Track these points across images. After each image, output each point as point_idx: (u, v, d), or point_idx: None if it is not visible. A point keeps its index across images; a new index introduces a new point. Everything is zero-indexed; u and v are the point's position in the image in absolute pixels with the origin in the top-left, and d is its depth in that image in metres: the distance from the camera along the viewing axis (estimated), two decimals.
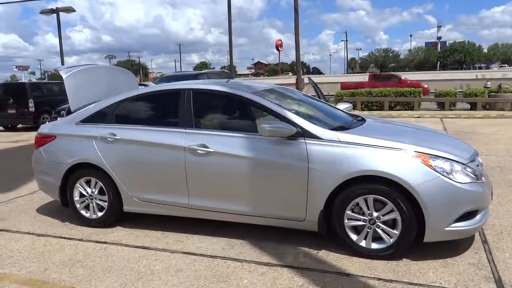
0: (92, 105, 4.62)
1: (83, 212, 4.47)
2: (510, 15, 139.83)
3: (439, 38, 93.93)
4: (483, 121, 12.75)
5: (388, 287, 2.98)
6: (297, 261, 3.45)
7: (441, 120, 12.93)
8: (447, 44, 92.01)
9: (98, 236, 4.16)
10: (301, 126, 3.59)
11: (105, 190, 4.31)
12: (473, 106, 15.37)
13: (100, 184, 4.33)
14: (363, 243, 3.45)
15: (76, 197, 4.47)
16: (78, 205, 4.48)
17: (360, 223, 3.44)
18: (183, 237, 4.03)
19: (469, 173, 3.36)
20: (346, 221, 3.46)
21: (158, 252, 3.74)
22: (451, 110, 15.26)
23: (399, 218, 3.30)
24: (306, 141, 3.54)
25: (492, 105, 15.04)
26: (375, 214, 3.38)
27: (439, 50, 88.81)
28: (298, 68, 19.79)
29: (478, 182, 3.37)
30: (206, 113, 4.17)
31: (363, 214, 3.42)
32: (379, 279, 3.09)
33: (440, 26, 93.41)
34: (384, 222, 3.37)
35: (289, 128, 3.53)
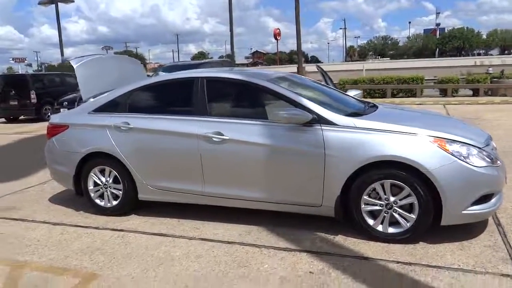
0: (104, 94, 4.62)
1: (97, 201, 4.50)
2: (509, 1, 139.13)
3: (437, 24, 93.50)
4: (486, 107, 12.78)
5: (407, 270, 3.03)
6: (315, 246, 3.49)
7: (444, 107, 12.94)
8: (446, 31, 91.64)
9: (114, 224, 4.20)
10: (316, 113, 3.61)
11: (120, 179, 4.33)
12: (476, 92, 15.38)
13: (115, 173, 4.35)
14: (380, 228, 3.48)
15: (91, 186, 4.50)
16: (92, 194, 4.50)
17: (377, 208, 3.47)
18: (199, 224, 4.07)
19: (485, 156, 3.39)
20: (363, 206, 3.49)
21: (175, 239, 3.78)
22: (454, 96, 15.27)
23: (416, 202, 3.33)
24: (322, 127, 3.56)
25: (494, 91, 15.04)
26: (392, 198, 3.41)
27: (437, 37, 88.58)
28: (300, 56, 19.76)
29: (493, 166, 3.40)
30: (221, 101, 4.18)
31: (379, 199, 3.45)
32: (398, 262, 3.14)
33: (439, 13, 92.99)
34: (401, 207, 3.40)
35: (305, 114, 3.54)
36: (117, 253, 3.55)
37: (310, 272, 3.06)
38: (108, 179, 4.41)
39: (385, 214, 3.45)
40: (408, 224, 3.40)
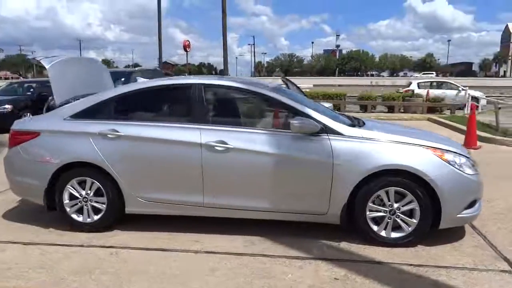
0: (82, 99, 4.24)
1: (74, 216, 4.08)
2: (392, 29, 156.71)
3: (337, 46, 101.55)
4: (398, 122, 14.11)
5: (422, 271, 3.23)
6: (324, 253, 3.56)
7: None
8: (343, 52, 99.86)
9: (99, 241, 3.84)
10: (323, 123, 3.71)
11: (104, 191, 3.98)
12: (390, 109, 16.89)
13: (98, 184, 3.98)
14: (383, 233, 3.67)
15: (66, 200, 4.06)
16: (68, 209, 4.07)
17: (381, 214, 3.66)
18: (196, 237, 3.89)
19: (471, 165, 3.77)
20: (368, 212, 3.66)
21: (179, 253, 3.58)
22: (372, 112, 16.58)
23: (417, 208, 3.58)
24: (330, 137, 3.67)
25: (406, 108, 16.66)
26: (395, 205, 3.62)
27: (337, 58, 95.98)
28: (226, 69, 19.84)
29: (477, 174, 3.80)
30: (222, 109, 4.10)
31: (383, 205, 3.65)
32: (410, 264, 3.34)
33: (338, 35, 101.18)
34: (403, 212, 3.63)
35: (314, 124, 3.63)
36: (120, 271, 3.26)
37: (335, 278, 3.12)
38: (88, 191, 4.03)
39: (388, 220, 3.66)
40: (409, 229, 3.63)
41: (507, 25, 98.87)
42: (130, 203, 3.99)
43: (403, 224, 3.64)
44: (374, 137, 3.69)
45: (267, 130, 3.81)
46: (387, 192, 3.62)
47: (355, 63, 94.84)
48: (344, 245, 3.71)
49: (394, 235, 3.67)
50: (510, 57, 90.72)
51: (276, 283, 3.06)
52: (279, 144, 3.72)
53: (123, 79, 9.39)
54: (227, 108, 4.19)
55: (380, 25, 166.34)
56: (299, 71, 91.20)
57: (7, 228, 4.20)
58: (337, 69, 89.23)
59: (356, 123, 4.20)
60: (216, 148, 3.76)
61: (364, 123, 4.30)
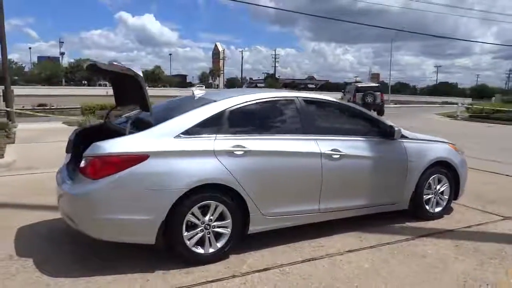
0: (189, 112, 3.63)
1: (194, 249, 3.51)
2: (106, 39, 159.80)
3: (62, 53, 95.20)
4: None
5: (476, 229, 4.62)
6: (410, 234, 4.44)
7: None
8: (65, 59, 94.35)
9: (232, 270, 3.47)
10: (395, 129, 4.61)
11: (229, 214, 3.61)
12: None
13: (222, 207, 3.58)
14: (431, 209, 4.90)
15: (185, 232, 3.46)
16: (188, 242, 3.47)
17: (430, 196, 4.87)
18: (315, 243, 4.07)
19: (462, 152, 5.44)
20: (424, 196, 4.81)
21: (326, 259, 3.73)
22: None
23: (448, 188, 4.98)
24: (402, 140, 4.62)
25: None
26: (438, 187, 4.91)
27: (65, 66, 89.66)
28: (6, 74, 16.00)
29: None
30: (321, 120, 4.35)
31: (430, 188, 4.87)
32: (468, 226, 4.67)
33: (63, 42, 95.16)
34: (441, 192, 4.96)
35: (401, 131, 4.51)
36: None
37: (455, 246, 4.12)
38: (211, 217, 3.56)
39: (434, 199, 4.91)
40: (444, 203, 5.00)
41: (215, 44, 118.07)
42: (255, 222, 3.78)
43: (440, 201, 4.97)
44: (423, 139, 4.88)
45: (363, 137, 4.41)
46: (433, 179, 4.86)
47: (85, 72, 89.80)
48: (412, 224, 4.72)
49: (436, 209, 4.95)
50: (221, 72, 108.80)
51: (431, 256, 3.82)
52: (374, 148, 4.40)
53: None
54: (326, 119, 4.47)
55: (93, 34, 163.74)
56: (20, 79, 78.38)
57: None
58: (64, 78, 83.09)
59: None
60: (333, 156, 4.09)
61: None
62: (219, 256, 3.61)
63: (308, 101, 4.27)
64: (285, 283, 3.28)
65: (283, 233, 4.10)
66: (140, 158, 3.30)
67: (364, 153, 4.32)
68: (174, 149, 3.43)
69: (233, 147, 3.62)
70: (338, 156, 4.11)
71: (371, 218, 4.60)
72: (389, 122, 4.61)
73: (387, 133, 4.50)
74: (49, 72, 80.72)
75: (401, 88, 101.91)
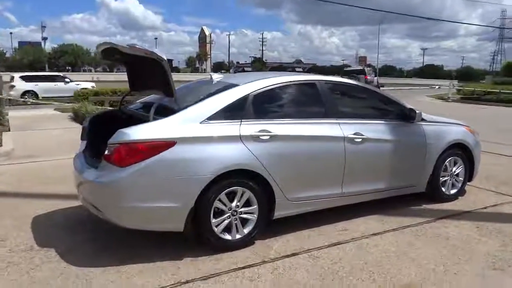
0: (213, 97, 3.53)
1: (221, 235, 3.46)
2: (89, 23, 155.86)
3: (44, 38, 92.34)
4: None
5: (491, 211, 4.65)
6: (432, 215, 4.46)
7: None
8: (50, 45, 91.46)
9: (261, 256, 3.43)
10: (416, 112, 4.57)
11: (256, 199, 3.56)
12: None
13: (249, 193, 3.52)
14: (447, 191, 4.91)
15: (212, 219, 3.40)
16: (215, 228, 3.42)
17: (446, 178, 4.88)
18: (339, 226, 4.06)
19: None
20: (440, 178, 4.80)
21: (352, 243, 3.73)
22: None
23: (463, 170, 4.99)
24: (421, 123, 4.59)
25: None
26: (454, 169, 4.92)
27: (49, 51, 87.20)
28: None
29: None
30: (346, 104, 4.30)
31: (446, 170, 4.87)
32: (484, 207, 4.71)
33: (45, 27, 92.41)
34: (457, 174, 4.96)
35: (421, 114, 4.47)
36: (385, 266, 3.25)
37: (477, 227, 4.14)
38: (238, 203, 3.50)
39: (450, 181, 4.92)
40: (459, 185, 5.01)
41: (202, 28, 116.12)
42: (280, 207, 3.73)
43: (456, 183, 4.98)
44: (441, 121, 4.86)
45: (384, 120, 4.36)
46: (449, 162, 4.86)
47: (69, 58, 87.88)
48: (430, 206, 4.73)
49: (452, 191, 4.96)
50: (208, 56, 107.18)
51: (454, 238, 3.83)
52: (395, 132, 4.37)
53: None
54: (348, 102, 4.42)
55: (74, 18, 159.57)
56: (3, 65, 76.20)
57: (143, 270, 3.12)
58: (47, 63, 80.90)
59: None
60: (355, 140, 4.05)
61: None
62: (246, 242, 3.57)
63: (330, 84, 4.19)
64: (316, 268, 3.25)
65: (305, 217, 4.07)
66: (167, 144, 3.20)
67: (385, 136, 4.27)
68: (200, 135, 3.34)
69: (259, 131, 3.55)
70: (360, 139, 4.07)
71: (389, 202, 4.60)
72: (409, 105, 4.57)
73: (407, 116, 4.47)
74: (31, 57, 78.71)
75: (388, 70, 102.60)
